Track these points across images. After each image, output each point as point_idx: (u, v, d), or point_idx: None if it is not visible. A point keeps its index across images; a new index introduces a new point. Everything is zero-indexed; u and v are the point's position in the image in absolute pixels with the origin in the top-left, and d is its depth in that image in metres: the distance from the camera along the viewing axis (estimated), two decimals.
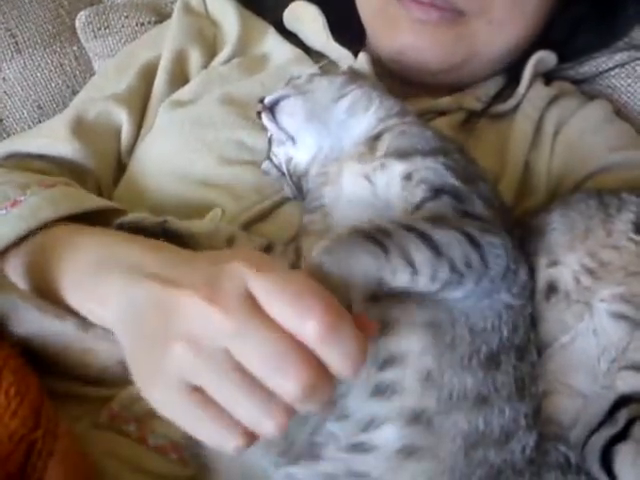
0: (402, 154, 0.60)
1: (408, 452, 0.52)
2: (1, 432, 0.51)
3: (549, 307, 0.61)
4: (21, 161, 0.80)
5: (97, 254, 0.58)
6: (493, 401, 0.55)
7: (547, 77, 0.89)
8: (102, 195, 0.81)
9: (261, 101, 0.71)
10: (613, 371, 0.59)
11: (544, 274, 0.62)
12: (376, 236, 0.50)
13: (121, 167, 0.84)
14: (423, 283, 0.51)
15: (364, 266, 0.49)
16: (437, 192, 0.57)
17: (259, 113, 0.71)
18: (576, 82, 0.90)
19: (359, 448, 0.53)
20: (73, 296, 0.58)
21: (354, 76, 0.74)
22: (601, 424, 0.59)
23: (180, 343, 0.46)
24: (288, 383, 0.43)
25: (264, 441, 0.48)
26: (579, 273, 0.61)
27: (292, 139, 0.69)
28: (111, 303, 0.53)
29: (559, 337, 0.61)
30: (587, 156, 0.77)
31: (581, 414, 0.61)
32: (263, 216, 0.73)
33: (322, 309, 0.43)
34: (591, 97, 0.88)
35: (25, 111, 0.96)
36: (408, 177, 0.59)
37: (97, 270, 0.56)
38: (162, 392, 0.48)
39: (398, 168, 0.60)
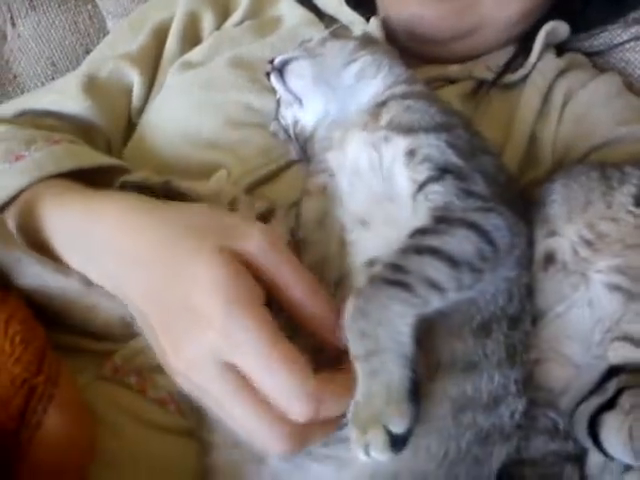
0: (406, 129, 0.60)
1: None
2: (4, 376, 0.53)
3: (546, 277, 0.62)
4: (33, 118, 0.81)
5: (81, 221, 0.60)
6: (482, 367, 0.55)
7: (560, 48, 0.88)
8: (111, 153, 0.82)
9: (270, 62, 0.71)
10: (606, 342, 0.60)
11: (543, 244, 0.62)
12: (395, 278, 0.51)
13: (131, 126, 0.85)
14: (452, 296, 0.53)
15: (400, 313, 0.51)
16: (441, 172, 0.58)
17: (268, 74, 0.71)
18: (590, 55, 0.89)
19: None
20: (70, 256, 0.60)
21: (366, 41, 0.74)
22: (591, 393, 0.60)
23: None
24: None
25: None
26: (577, 244, 0.61)
27: (299, 101, 0.70)
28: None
29: (555, 307, 0.61)
30: (594, 128, 0.77)
31: (572, 382, 0.62)
32: (268, 178, 0.73)
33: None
34: (604, 70, 0.87)
35: (39, 68, 0.97)
36: (412, 153, 0.59)
37: (84, 241, 0.59)
38: (195, 365, 0.51)
39: (402, 143, 0.60)
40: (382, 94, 0.67)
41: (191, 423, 0.61)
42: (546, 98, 0.79)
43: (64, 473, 0.53)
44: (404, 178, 0.59)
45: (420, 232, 0.55)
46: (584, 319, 0.61)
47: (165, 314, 0.53)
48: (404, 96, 0.65)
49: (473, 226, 0.54)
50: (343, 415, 0.50)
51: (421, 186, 0.57)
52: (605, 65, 0.88)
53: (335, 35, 0.76)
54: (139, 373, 0.62)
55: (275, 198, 0.71)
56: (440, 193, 0.56)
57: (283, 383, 0.49)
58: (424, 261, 0.52)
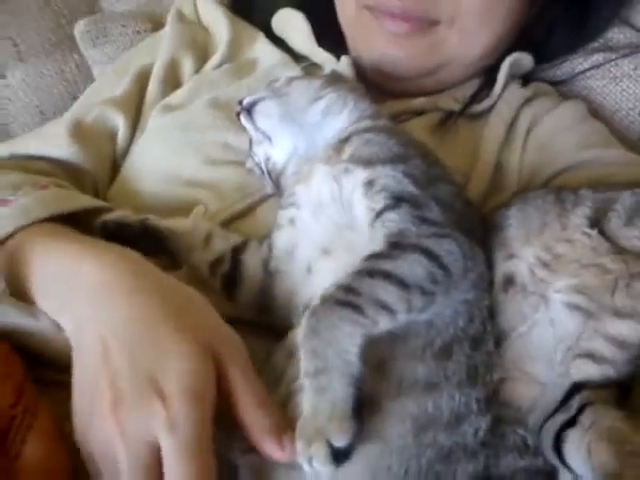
0: (365, 162, 0.64)
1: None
2: None
3: (507, 299, 0.64)
4: (22, 162, 0.84)
5: (63, 267, 0.62)
6: (443, 387, 0.57)
7: (526, 79, 0.91)
8: (98, 194, 0.85)
9: (240, 103, 0.74)
10: (568, 359, 0.62)
11: (502, 267, 0.64)
12: (346, 299, 0.54)
13: (117, 168, 0.89)
14: (402, 318, 0.55)
15: (349, 333, 0.53)
16: (397, 200, 0.61)
17: (238, 114, 0.74)
18: (554, 84, 0.92)
19: None
20: (43, 303, 0.62)
21: (332, 80, 0.77)
22: (556, 410, 0.62)
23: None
24: None
25: None
26: (534, 266, 0.63)
27: (269, 139, 0.73)
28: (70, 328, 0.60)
29: (517, 327, 0.63)
30: (557, 154, 0.79)
31: (539, 400, 0.63)
32: (244, 213, 0.76)
33: None
34: (568, 98, 0.90)
35: (28, 116, 1.01)
36: (370, 184, 0.62)
37: (61, 287, 0.62)
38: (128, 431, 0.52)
39: (361, 175, 0.63)
40: (346, 129, 0.70)
41: None
42: (511, 126, 0.83)
43: None
44: (363, 207, 0.62)
45: (374, 256, 0.57)
46: (546, 338, 0.62)
47: (127, 371, 0.54)
48: (366, 130, 0.68)
49: (425, 251, 0.57)
50: None
51: (378, 214, 0.60)
52: (569, 93, 0.92)
53: (305, 74, 0.80)
54: None
55: (251, 231, 0.74)
56: (396, 220, 0.59)
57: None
58: (375, 283, 0.55)
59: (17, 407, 0.56)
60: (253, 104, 0.73)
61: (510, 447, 0.63)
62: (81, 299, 0.60)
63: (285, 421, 0.55)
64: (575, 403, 0.60)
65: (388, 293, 0.54)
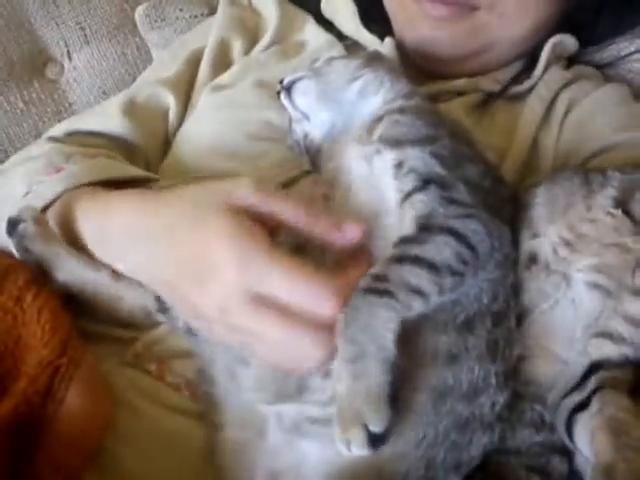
0: (394, 142, 0.65)
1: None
2: (34, 357, 0.61)
3: (530, 276, 0.65)
4: (80, 138, 0.90)
5: (102, 219, 0.68)
6: (463, 360, 0.59)
7: (571, 61, 0.91)
8: (149, 169, 0.90)
9: (281, 82, 0.78)
10: (587, 338, 0.63)
11: (527, 245, 0.65)
12: (379, 287, 0.56)
13: (169, 146, 0.93)
14: (435, 300, 0.57)
15: (384, 319, 0.55)
16: (425, 182, 0.62)
17: (279, 93, 0.78)
18: (598, 67, 0.91)
19: None
20: (98, 253, 0.68)
21: (371, 59, 0.79)
22: (573, 389, 0.62)
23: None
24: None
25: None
26: (558, 245, 0.64)
27: (307, 117, 0.76)
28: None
29: (539, 305, 0.64)
30: (593, 136, 0.79)
31: (559, 378, 0.64)
32: (282, 188, 0.80)
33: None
34: (611, 81, 0.89)
35: (91, 96, 1.08)
36: (399, 165, 0.64)
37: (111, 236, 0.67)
38: (226, 308, 0.57)
39: (390, 156, 0.65)
40: (381, 109, 0.72)
41: (202, 407, 0.67)
42: (550, 108, 0.83)
43: (81, 444, 0.60)
44: (392, 188, 0.63)
45: (402, 241, 0.59)
46: (567, 317, 0.63)
47: (188, 275, 0.59)
48: (397, 111, 0.70)
49: (453, 232, 0.58)
50: None
51: (406, 196, 0.62)
52: (614, 77, 0.91)
53: (343, 55, 0.82)
54: (159, 360, 0.69)
55: None
56: (424, 202, 0.61)
57: (308, 290, 0.55)
58: (405, 269, 0.56)
59: (63, 358, 0.61)
60: (292, 83, 0.76)
61: (527, 422, 0.64)
62: (125, 242, 0.65)
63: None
64: (591, 384, 0.61)
65: (419, 277, 0.56)
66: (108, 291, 0.69)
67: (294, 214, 0.59)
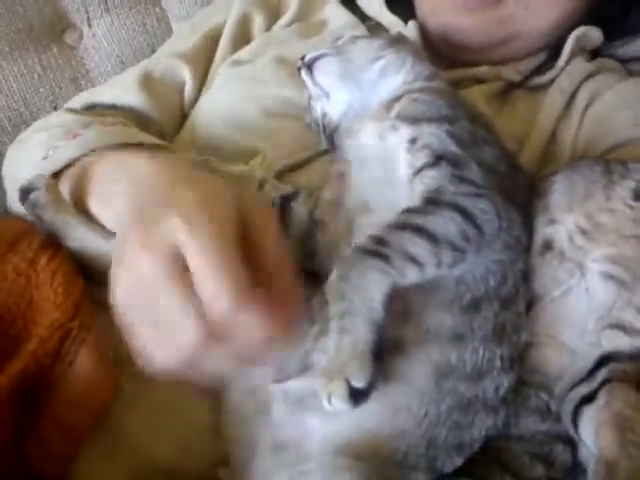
0: (411, 119, 0.65)
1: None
2: (45, 319, 0.61)
3: (543, 263, 0.65)
4: (97, 111, 0.90)
5: (118, 172, 0.66)
6: (468, 340, 0.59)
7: (595, 54, 0.90)
8: None
9: (302, 58, 0.77)
10: (599, 329, 0.62)
11: (541, 231, 0.65)
12: (376, 249, 0.56)
13: (185, 118, 0.93)
14: (431, 272, 0.57)
15: (376, 281, 0.56)
16: (437, 158, 0.62)
17: (299, 69, 0.77)
18: (623, 61, 0.91)
19: None
20: (103, 214, 0.66)
21: (394, 40, 0.79)
22: (582, 380, 0.62)
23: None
24: None
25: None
26: (574, 233, 0.64)
27: (327, 95, 0.76)
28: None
29: (551, 291, 0.64)
30: (612, 129, 0.79)
31: (567, 368, 0.64)
32: (299, 165, 0.79)
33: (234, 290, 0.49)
34: (634, 76, 0.88)
35: (109, 65, 1.07)
36: (413, 141, 0.64)
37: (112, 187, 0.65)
38: (150, 244, 0.51)
39: (406, 131, 0.65)
40: (400, 89, 0.72)
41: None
42: (571, 99, 0.82)
43: (87, 407, 0.61)
44: (404, 163, 0.63)
45: (408, 210, 0.59)
46: (580, 306, 0.63)
47: (142, 214, 0.55)
48: (417, 90, 0.70)
49: (460, 209, 0.58)
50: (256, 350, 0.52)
51: (418, 171, 0.62)
52: (638, 72, 0.90)
53: (366, 34, 0.82)
54: None
55: (304, 183, 0.77)
56: (434, 178, 0.61)
57: (220, 276, 0.49)
58: (405, 236, 0.57)
59: (74, 321, 0.61)
60: (314, 60, 0.76)
61: (532, 410, 0.64)
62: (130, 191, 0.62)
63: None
64: (599, 376, 0.61)
65: (417, 246, 0.56)
66: None
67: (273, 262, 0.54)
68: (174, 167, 0.61)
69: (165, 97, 0.91)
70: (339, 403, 0.53)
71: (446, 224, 0.57)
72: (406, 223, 0.58)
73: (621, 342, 0.62)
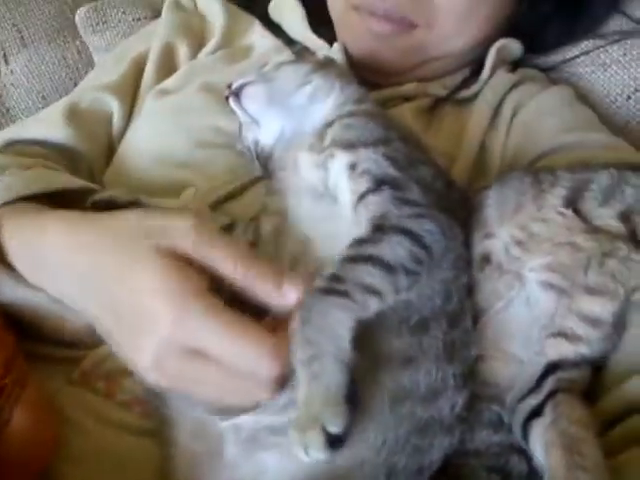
0: (347, 145, 0.65)
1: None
2: None
3: (483, 277, 0.65)
4: (21, 147, 0.86)
5: (31, 240, 0.65)
6: (419, 362, 0.59)
7: (516, 65, 0.92)
8: (94, 178, 0.87)
9: (229, 86, 0.76)
10: (543, 338, 0.63)
11: (479, 247, 0.66)
12: (333, 287, 0.55)
13: (114, 153, 0.91)
14: (390, 299, 0.57)
15: (340, 319, 0.54)
16: (379, 183, 0.62)
17: (227, 97, 0.76)
18: (543, 70, 0.93)
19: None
20: (29, 276, 0.65)
21: (321, 64, 0.79)
22: (530, 391, 0.63)
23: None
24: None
25: None
26: (510, 244, 0.64)
27: (257, 122, 0.75)
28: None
29: (494, 305, 0.64)
30: (540, 137, 0.80)
31: (516, 378, 0.64)
32: (233, 195, 0.78)
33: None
34: (556, 84, 0.91)
35: (30, 101, 1.04)
36: (353, 167, 0.64)
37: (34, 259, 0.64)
38: (161, 361, 0.55)
39: (344, 158, 0.64)
40: (332, 114, 0.71)
41: (154, 425, 0.65)
42: (497, 111, 0.84)
43: (28, 466, 0.58)
44: (346, 191, 0.63)
45: (357, 242, 0.58)
46: (522, 316, 0.63)
47: (120, 321, 0.58)
48: (348, 115, 0.70)
49: (407, 232, 0.58)
50: None
51: (360, 197, 0.62)
52: (558, 80, 0.93)
53: (292, 59, 0.81)
54: (107, 377, 0.67)
55: (240, 213, 0.76)
56: (378, 203, 0.61)
57: (244, 350, 0.54)
58: (359, 268, 0.56)
59: (7, 378, 0.58)
60: (241, 87, 0.75)
61: (486, 423, 0.64)
62: (54, 269, 0.62)
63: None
64: (546, 386, 0.62)
65: (373, 276, 0.55)
66: (48, 311, 0.66)
67: (232, 268, 0.57)
68: (91, 249, 0.61)
69: (93, 131, 0.89)
70: (317, 453, 0.51)
71: (396, 249, 0.57)
72: (357, 255, 0.57)
73: (565, 349, 0.62)
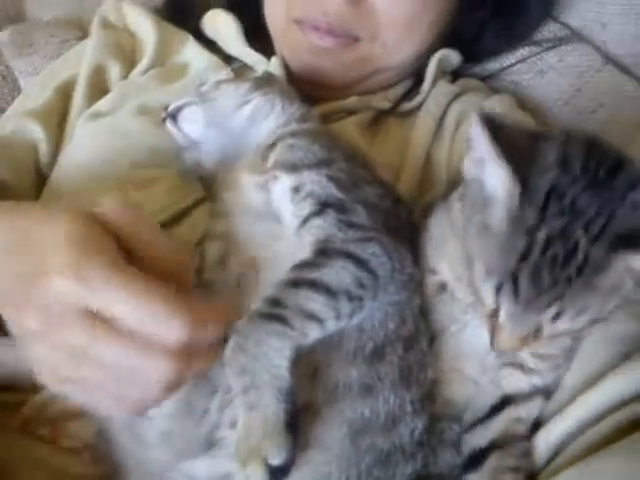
0: (290, 167, 0.63)
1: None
2: None
3: (439, 301, 0.64)
4: None
5: None
6: (377, 390, 0.57)
7: (456, 75, 0.92)
8: None
9: (165, 108, 0.73)
10: (498, 366, 0.63)
11: (430, 279, 0.64)
12: (272, 312, 0.53)
13: (43, 181, 0.86)
14: (331, 326, 0.55)
15: (276, 348, 0.52)
16: (322, 206, 0.60)
17: (164, 120, 0.73)
18: (482, 79, 0.94)
19: None
20: None
21: (261, 82, 0.76)
22: (482, 420, 0.63)
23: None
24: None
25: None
26: (453, 280, 0.63)
27: (196, 145, 0.72)
28: None
29: (449, 327, 0.64)
30: None
31: (473, 399, 0.64)
32: (176, 219, 0.75)
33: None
34: (497, 92, 0.91)
35: None
36: (296, 190, 0.62)
37: None
38: (50, 316, 0.48)
39: (288, 181, 0.63)
40: (274, 134, 0.69)
41: (103, 472, 0.62)
42: (440, 122, 0.83)
43: None
44: (289, 214, 0.61)
45: (299, 266, 0.57)
46: (477, 340, 0.62)
47: (14, 283, 0.51)
48: (290, 135, 0.68)
49: (351, 256, 0.57)
50: (224, 339, 0.52)
51: (304, 221, 0.60)
52: (498, 87, 0.93)
53: (231, 78, 0.79)
54: (51, 423, 0.63)
55: (184, 237, 0.72)
56: (322, 227, 0.59)
57: (147, 307, 0.48)
58: (300, 293, 0.54)
59: None
60: (178, 110, 0.72)
61: (448, 443, 0.63)
62: None
63: None
64: (497, 424, 0.62)
65: (314, 302, 0.54)
66: None
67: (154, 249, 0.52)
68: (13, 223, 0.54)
69: (18, 159, 0.84)
70: None
71: (340, 274, 0.55)
72: (298, 279, 0.55)
73: (520, 382, 0.63)
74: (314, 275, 0.55)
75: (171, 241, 0.55)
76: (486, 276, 0.54)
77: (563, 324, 0.54)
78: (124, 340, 0.48)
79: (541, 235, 0.51)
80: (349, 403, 0.56)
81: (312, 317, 0.53)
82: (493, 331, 0.56)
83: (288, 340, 0.52)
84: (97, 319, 0.48)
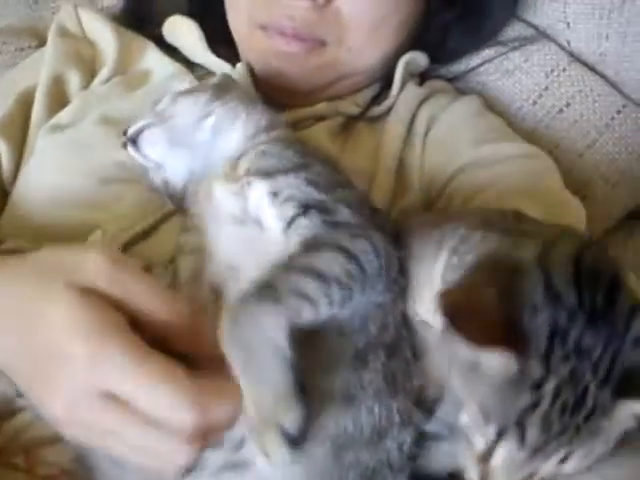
0: (264, 173, 0.62)
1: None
2: None
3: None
4: None
5: None
6: (360, 400, 0.55)
7: (423, 77, 0.92)
8: None
9: (124, 133, 0.71)
10: None
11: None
12: (265, 293, 0.53)
13: (6, 196, 0.83)
14: (324, 310, 0.54)
15: (272, 324, 0.51)
16: (305, 207, 0.59)
17: (125, 144, 0.71)
18: (449, 80, 0.94)
19: (233, 464, 0.55)
20: None
21: (220, 90, 0.74)
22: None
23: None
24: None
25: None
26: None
27: (161, 166, 0.70)
28: None
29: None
30: (455, 151, 0.80)
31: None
32: (146, 234, 0.73)
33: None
34: (464, 94, 0.91)
35: None
36: (274, 194, 0.61)
37: None
38: (73, 406, 0.52)
39: (263, 187, 0.61)
40: (241, 144, 0.68)
41: None
42: (410, 126, 0.83)
43: None
44: (272, 217, 0.60)
45: (290, 256, 0.56)
46: None
47: (34, 366, 0.54)
48: (262, 143, 0.66)
49: (342, 249, 0.56)
50: (236, 414, 0.52)
51: (289, 222, 0.59)
52: (465, 89, 0.93)
53: (188, 89, 0.77)
54: (26, 450, 0.62)
55: (155, 253, 0.71)
56: (308, 227, 0.58)
57: (161, 397, 0.50)
58: (293, 276, 0.53)
59: None
60: (138, 133, 0.70)
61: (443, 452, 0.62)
62: None
63: None
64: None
65: (307, 284, 0.53)
66: None
67: (154, 302, 0.54)
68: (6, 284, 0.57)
69: None
70: (277, 454, 0.50)
71: (330, 262, 0.55)
72: (290, 265, 0.55)
73: None
74: (305, 261, 0.55)
75: (171, 295, 0.56)
76: (484, 420, 0.50)
77: (570, 467, 0.51)
78: (143, 426, 0.51)
79: (549, 386, 0.48)
80: (331, 415, 0.55)
81: (305, 297, 0.53)
82: (483, 476, 0.52)
83: (282, 316, 0.52)
84: (116, 402, 0.51)
